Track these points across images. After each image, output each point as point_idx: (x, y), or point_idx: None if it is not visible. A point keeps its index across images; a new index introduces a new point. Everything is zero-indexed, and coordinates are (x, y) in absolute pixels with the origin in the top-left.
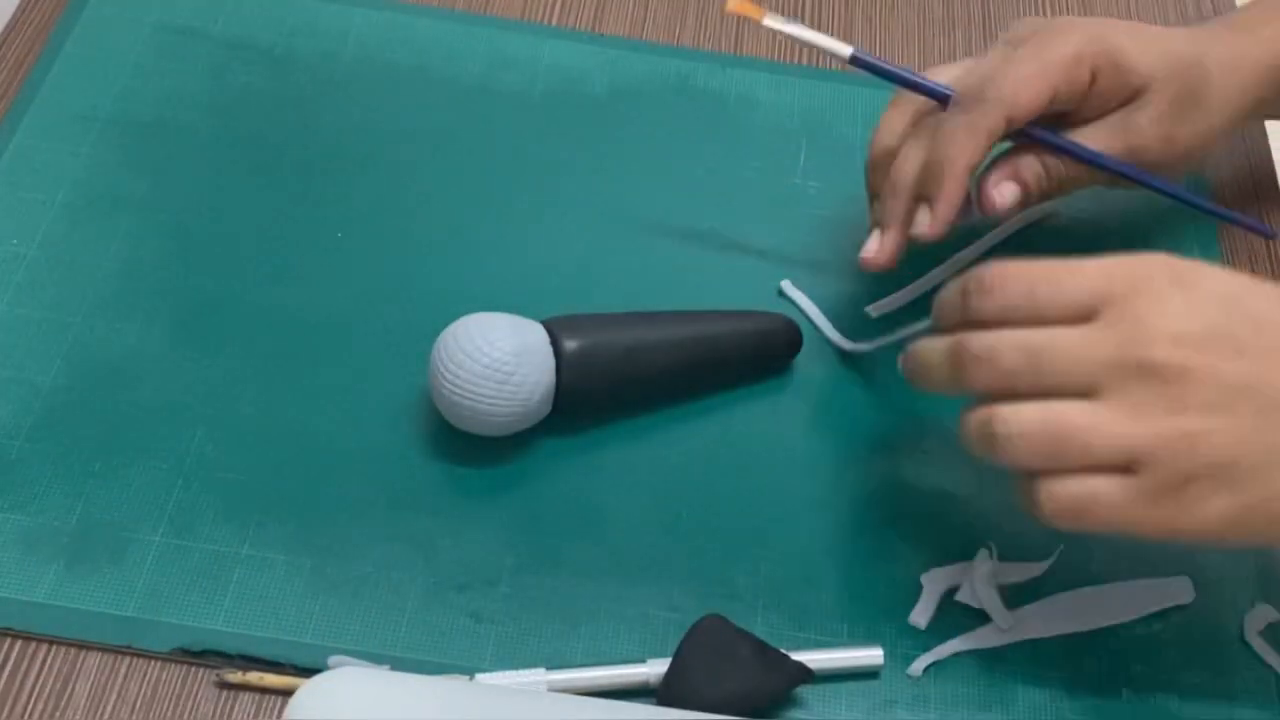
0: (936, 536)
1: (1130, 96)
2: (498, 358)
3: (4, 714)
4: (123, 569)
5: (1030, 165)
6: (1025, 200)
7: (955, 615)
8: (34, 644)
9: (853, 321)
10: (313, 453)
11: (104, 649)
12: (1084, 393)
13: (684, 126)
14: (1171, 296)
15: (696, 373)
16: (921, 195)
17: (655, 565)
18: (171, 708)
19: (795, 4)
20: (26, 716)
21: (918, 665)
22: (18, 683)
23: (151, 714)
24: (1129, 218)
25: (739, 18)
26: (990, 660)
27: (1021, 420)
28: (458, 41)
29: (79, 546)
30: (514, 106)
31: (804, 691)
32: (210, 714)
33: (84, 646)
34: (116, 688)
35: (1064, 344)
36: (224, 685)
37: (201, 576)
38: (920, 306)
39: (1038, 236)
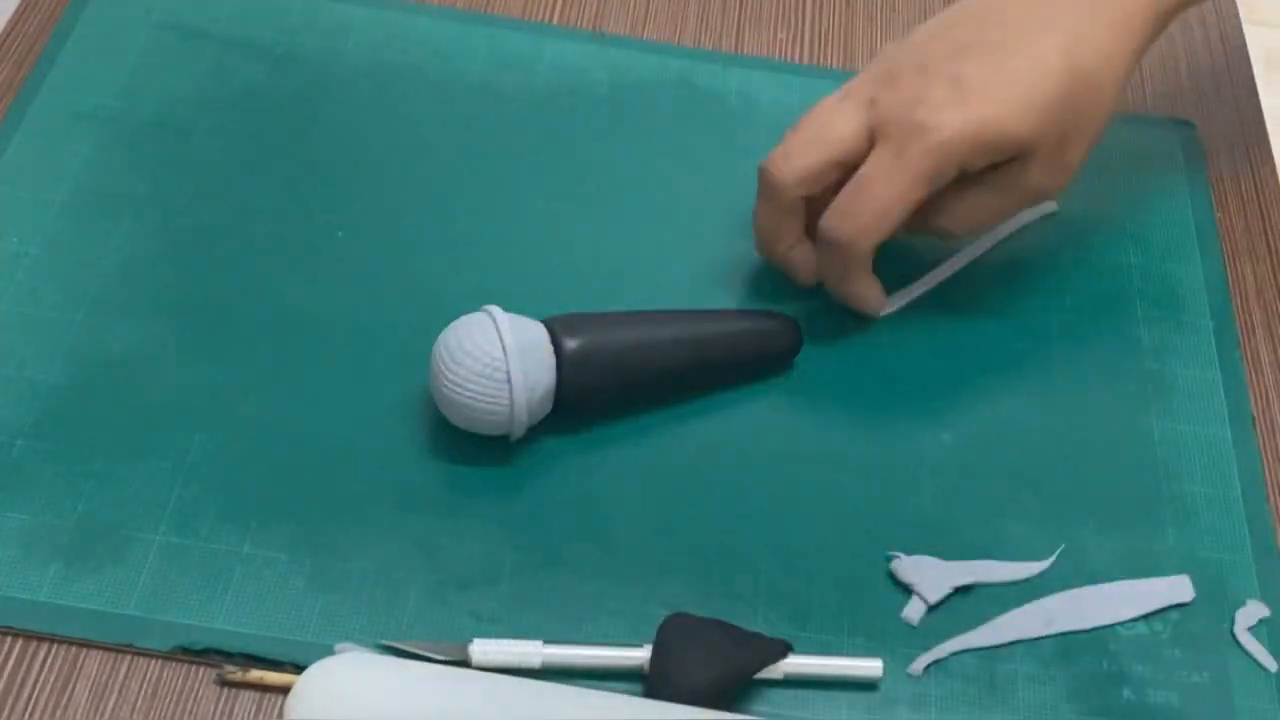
0: (937, 536)
1: (1012, 156)
2: (497, 356)
3: (5, 713)
4: (123, 568)
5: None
6: None
7: (955, 614)
8: (34, 643)
9: (854, 320)
10: (313, 452)
11: (105, 648)
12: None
13: (685, 126)
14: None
15: (696, 372)
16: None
17: (655, 564)
18: (172, 707)
19: (796, 5)
20: (27, 715)
21: (918, 664)
22: (18, 682)
23: (152, 713)
24: (1125, 209)
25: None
26: (990, 660)
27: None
28: (458, 41)
29: (80, 545)
30: (515, 106)
31: (804, 691)
32: (211, 713)
33: (85, 645)
34: (117, 687)
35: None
36: (225, 684)
37: (202, 575)
38: (924, 304)
39: (1034, 233)
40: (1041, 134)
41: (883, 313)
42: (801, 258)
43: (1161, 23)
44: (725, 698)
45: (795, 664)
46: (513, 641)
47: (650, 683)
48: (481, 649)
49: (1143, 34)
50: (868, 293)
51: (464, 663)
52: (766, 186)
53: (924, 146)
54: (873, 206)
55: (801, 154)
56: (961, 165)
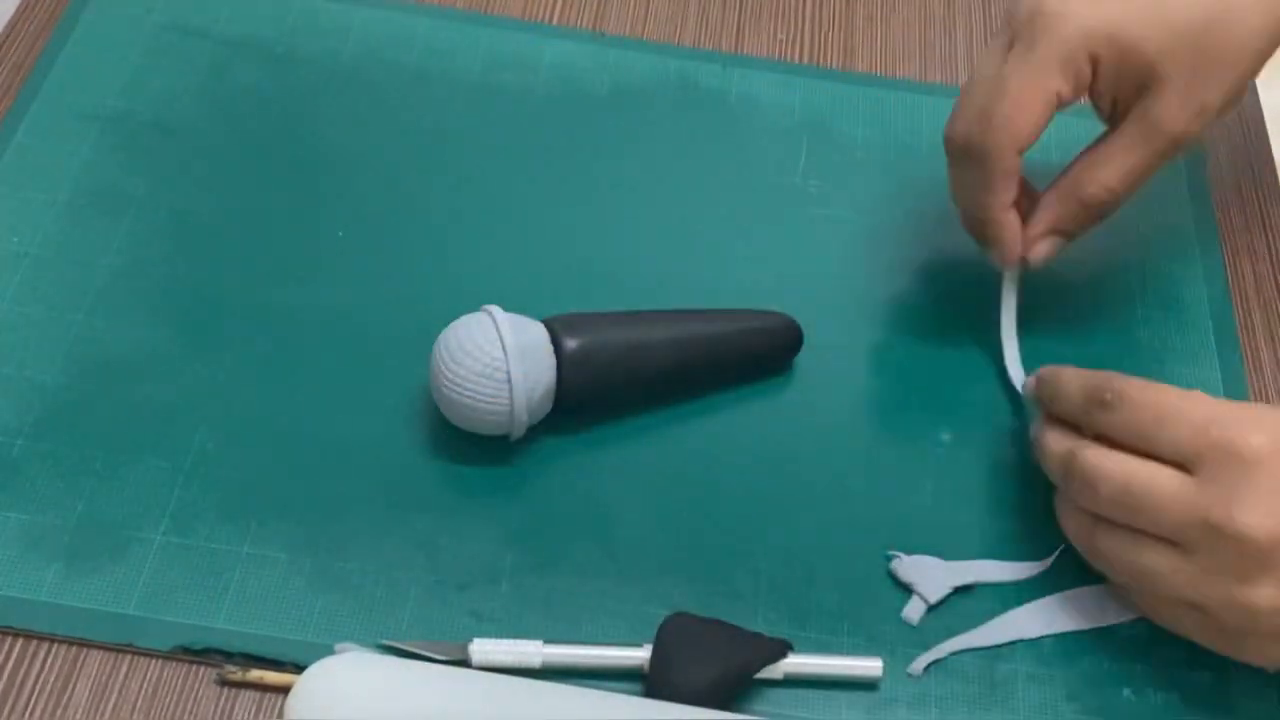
0: (937, 536)
1: (1143, 80)
2: (498, 356)
3: (5, 713)
4: (124, 567)
5: (1073, 216)
6: (1066, 246)
7: (955, 614)
8: (35, 642)
9: (855, 320)
10: (313, 451)
11: (105, 647)
12: (1168, 539)
13: (685, 126)
14: (1265, 469)
15: (697, 372)
16: (980, 240)
17: (655, 564)
18: (172, 706)
19: (796, 5)
20: (28, 715)
21: (918, 664)
22: (19, 681)
23: (152, 712)
24: (1126, 209)
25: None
26: (990, 660)
27: (1108, 544)
28: (458, 41)
29: (80, 545)
30: (514, 106)
31: (805, 691)
32: (211, 712)
33: (85, 645)
34: (117, 686)
35: (1159, 492)
36: (225, 683)
37: (202, 575)
38: (923, 302)
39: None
40: (1172, 57)
41: (1021, 264)
42: (1014, 225)
43: None
44: (725, 698)
45: (795, 664)
46: (513, 641)
47: (650, 683)
48: (481, 649)
49: None
50: (1005, 229)
51: (464, 663)
52: (977, 155)
53: (1056, 34)
54: (1010, 101)
55: (1012, 112)
56: (1091, 58)
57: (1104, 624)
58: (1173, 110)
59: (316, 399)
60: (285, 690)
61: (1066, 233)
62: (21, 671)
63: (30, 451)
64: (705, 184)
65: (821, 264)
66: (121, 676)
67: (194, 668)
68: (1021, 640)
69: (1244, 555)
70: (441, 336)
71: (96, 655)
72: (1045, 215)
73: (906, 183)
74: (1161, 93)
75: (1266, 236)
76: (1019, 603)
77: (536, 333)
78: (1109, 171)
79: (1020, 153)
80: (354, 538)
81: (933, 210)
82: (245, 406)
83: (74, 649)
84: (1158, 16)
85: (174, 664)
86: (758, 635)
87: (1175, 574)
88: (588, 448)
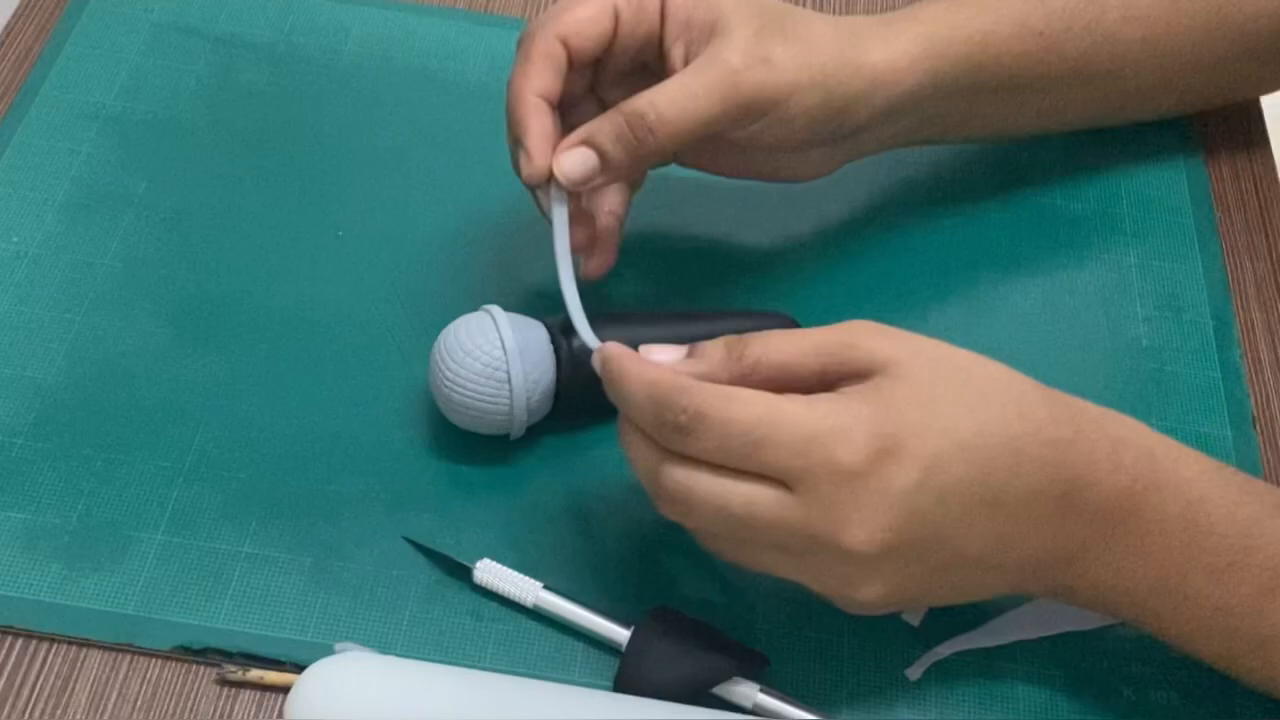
0: None
1: (712, 28)
2: (498, 356)
3: (5, 712)
4: (123, 567)
5: (611, 130)
6: (604, 170)
7: (955, 614)
8: (35, 642)
9: (851, 320)
10: (313, 451)
11: (105, 647)
12: (776, 547)
13: None
14: (865, 483)
15: None
16: (515, 141)
17: (654, 564)
18: (172, 706)
19: (795, 4)
20: (28, 715)
21: (917, 666)
22: (18, 681)
23: (152, 712)
24: (1125, 208)
25: None
26: (990, 660)
27: (711, 544)
28: (458, 41)
29: (80, 544)
30: None
31: (805, 690)
32: (211, 712)
33: (85, 645)
34: (117, 686)
35: (761, 515)
36: (225, 683)
37: (202, 574)
38: (924, 302)
39: (1034, 232)
40: (738, 12)
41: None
42: (544, 121)
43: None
44: (690, 695)
45: (764, 701)
46: (515, 573)
47: (622, 663)
48: (485, 568)
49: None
50: (531, 119)
51: (468, 573)
52: (524, 38)
53: None
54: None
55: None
56: None
57: (1104, 624)
58: (738, 49)
59: (316, 399)
60: (285, 690)
61: (602, 150)
62: (21, 671)
63: (30, 451)
64: (704, 183)
65: (821, 264)
66: (121, 676)
67: (194, 667)
68: (1021, 640)
69: (850, 565)
70: (441, 336)
71: (96, 655)
72: (586, 126)
73: (906, 183)
74: (728, 35)
75: (1266, 236)
76: (1019, 603)
77: (536, 333)
78: (664, 93)
79: (564, 44)
80: (353, 537)
81: (934, 211)
82: (245, 406)
83: (74, 649)
84: None
85: (174, 664)
86: (740, 646)
87: (785, 568)
88: (588, 448)
